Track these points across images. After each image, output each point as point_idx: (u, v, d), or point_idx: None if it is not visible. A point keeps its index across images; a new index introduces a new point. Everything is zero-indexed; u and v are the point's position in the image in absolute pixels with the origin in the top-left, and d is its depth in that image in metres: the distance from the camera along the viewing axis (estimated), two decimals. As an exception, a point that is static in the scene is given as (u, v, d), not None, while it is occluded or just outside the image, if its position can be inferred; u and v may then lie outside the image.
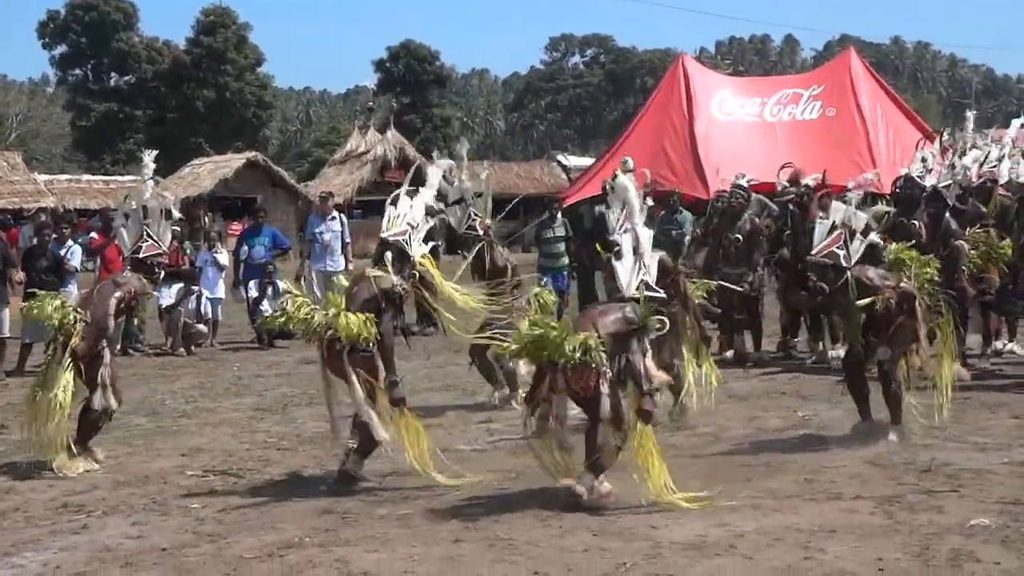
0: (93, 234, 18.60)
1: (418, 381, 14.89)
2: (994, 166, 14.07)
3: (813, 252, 10.55)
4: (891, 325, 10.45)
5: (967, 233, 14.03)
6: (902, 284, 10.54)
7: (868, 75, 32.09)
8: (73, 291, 17.35)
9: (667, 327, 9.01)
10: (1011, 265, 13.31)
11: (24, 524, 8.62)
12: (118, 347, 17.88)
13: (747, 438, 11.00)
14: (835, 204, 10.78)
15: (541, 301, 12.51)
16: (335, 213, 21.24)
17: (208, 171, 51.56)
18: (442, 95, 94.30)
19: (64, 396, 10.18)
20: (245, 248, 20.12)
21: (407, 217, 9.82)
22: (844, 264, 10.30)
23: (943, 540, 7.48)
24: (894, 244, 11.62)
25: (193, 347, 18.79)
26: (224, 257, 20.35)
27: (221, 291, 20.02)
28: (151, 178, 11.54)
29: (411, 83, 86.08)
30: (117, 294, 10.75)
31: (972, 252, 13.80)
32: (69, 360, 10.28)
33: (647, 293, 9.14)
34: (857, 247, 10.42)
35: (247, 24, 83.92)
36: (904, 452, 10.01)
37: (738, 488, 8.91)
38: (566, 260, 20.09)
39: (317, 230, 20.62)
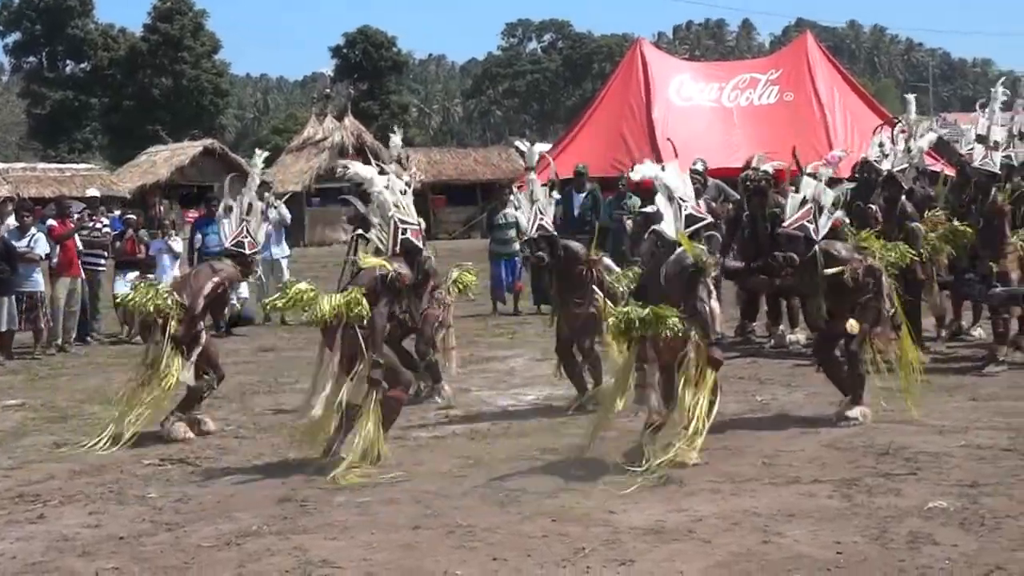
0: (51, 222, 18.44)
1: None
2: (971, 149, 14.09)
3: (785, 224, 10.65)
4: (856, 300, 10.55)
5: (924, 216, 14.11)
6: (870, 261, 10.67)
7: (825, 60, 32.28)
8: (38, 279, 17.24)
9: (715, 253, 9.61)
10: (973, 248, 13.38)
11: (-21, 515, 8.55)
12: (73, 336, 17.85)
13: (706, 422, 11.00)
14: (806, 179, 10.87)
15: (461, 285, 12.60)
16: (274, 201, 21.23)
17: (164, 159, 51.24)
18: (399, 81, 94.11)
19: (172, 379, 10.78)
20: (199, 236, 20.03)
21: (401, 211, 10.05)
22: (813, 237, 10.41)
23: (901, 523, 7.51)
24: (857, 229, 11.77)
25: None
26: (179, 244, 20.25)
27: (177, 279, 19.90)
28: (261, 175, 12.20)
29: (368, 69, 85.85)
30: (215, 279, 11.28)
31: (931, 235, 13.85)
32: (171, 345, 10.85)
33: (693, 227, 9.42)
34: (824, 222, 10.54)
35: (203, 11, 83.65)
36: (862, 435, 10.05)
37: (697, 472, 8.93)
38: (517, 246, 20.12)
39: None
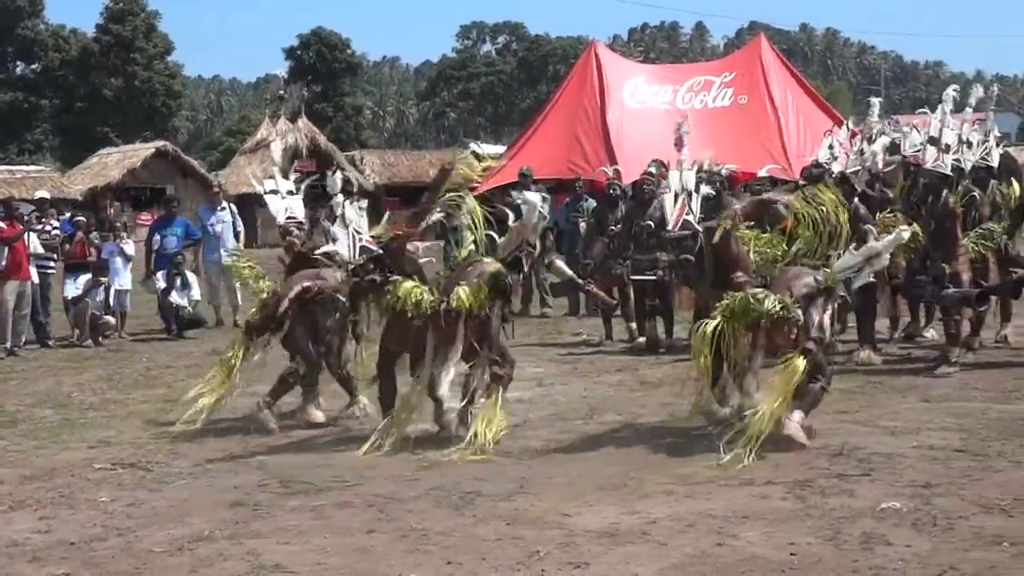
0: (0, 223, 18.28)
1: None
2: (918, 150, 14.15)
3: (669, 228, 10.69)
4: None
5: (876, 218, 14.15)
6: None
7: (779, 62, 32.32)
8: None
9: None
10: (925, 250, 13.44)
11: (-73, 520, 8.46)
12: (22, 340, 17.71)
13: (660, 424, 11.00)
14: (671, 174, 10.93)
15: None
16: (225, 204, 21.23)
17: (116, 161, 50.95)
18: (354, 83, 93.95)
19: (236, 363, 11.19)
20: (157, 238, 19.95)
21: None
22: (697, 228, 10.47)
23: (855, 524, 7.53)
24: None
25: (101, 338, 18.56)
26: (130, 247, 20.13)
27: (128, 281, 19.80)
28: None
29: (322, 71, 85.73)
30: (305, 283, 11.24)
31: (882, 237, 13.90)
32: (244, 333, 11.37)
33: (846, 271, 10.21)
34: (697, 205, 10.64)
35: (156, 12, 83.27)
36: (816, 437, 10.07)
37: (651, 474, 8.93)
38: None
39: (208, 222, 20.58)
